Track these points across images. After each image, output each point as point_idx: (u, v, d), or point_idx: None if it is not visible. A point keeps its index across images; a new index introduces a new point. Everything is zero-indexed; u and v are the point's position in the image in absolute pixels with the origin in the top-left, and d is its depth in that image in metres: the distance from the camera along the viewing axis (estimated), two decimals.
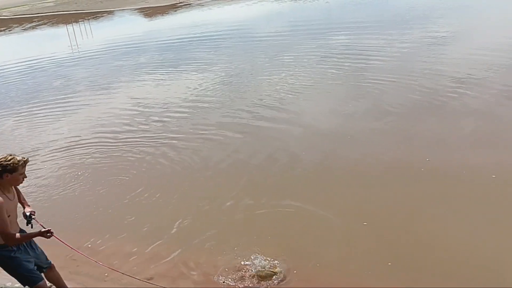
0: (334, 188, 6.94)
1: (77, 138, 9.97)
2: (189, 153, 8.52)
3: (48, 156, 9.27)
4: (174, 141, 9.14)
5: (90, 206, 7.17)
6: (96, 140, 9.76)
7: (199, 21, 23.44)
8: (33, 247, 4.46)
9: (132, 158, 8.65)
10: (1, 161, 4.01)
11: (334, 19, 19.60)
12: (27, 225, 4.32)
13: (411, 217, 6.04)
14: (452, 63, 11.41)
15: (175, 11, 28.83)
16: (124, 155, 8.85)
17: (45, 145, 9.88)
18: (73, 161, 8.89)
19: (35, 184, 7.98)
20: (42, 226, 4.37)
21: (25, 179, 4.24)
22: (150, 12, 29.18)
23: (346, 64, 12.51)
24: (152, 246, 6.01)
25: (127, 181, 7.83)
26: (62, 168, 8.62)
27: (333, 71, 12.15)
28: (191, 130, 9.59)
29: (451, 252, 5.30)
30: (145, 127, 10.18)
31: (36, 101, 13.52)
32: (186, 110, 10.87)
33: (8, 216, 4.05)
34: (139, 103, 11.80)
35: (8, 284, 5.45)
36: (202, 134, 9.31)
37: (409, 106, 9.38)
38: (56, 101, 13.12)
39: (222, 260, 5.56)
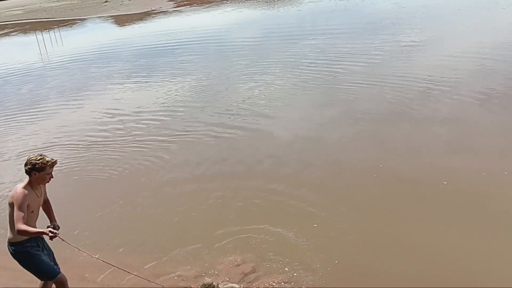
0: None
1: (43, 145, 9.83)
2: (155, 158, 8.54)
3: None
4: (143, 148, 9.10)
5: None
6: (60, 148, 9.67)
7: (174, 28, 23.38)
8: (48, 250, 4.65)
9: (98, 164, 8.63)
10: (32, 159, 4.30)
11: (308, 26, 19.81)
12: (50, 239, 4.34)
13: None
14: (423, 68, 11.66)
15: (149, 19, 28.60)
16: (89, 160, 8.87)
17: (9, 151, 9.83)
18: None
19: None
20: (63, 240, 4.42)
21: (51, 179, 4.46)
22: (122, 20, 28.87)
23: (319, 70, 12.63)
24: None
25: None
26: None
27: (306, 77, 12.26)
28: (160, 137, 9.53)
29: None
30: (112, 133, 10.13)
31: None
32: (158, 117, 10.74)
33: (31, 212, 4.33)
34: (108, 111, 11.64)
35: None
36: (170, 140, 9.34)
37: (380, 112, 9.51)
38: (22, 110, 12.80)
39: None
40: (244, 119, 9.97)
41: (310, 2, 26.19)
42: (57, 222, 4.64)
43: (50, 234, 4.14)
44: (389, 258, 5.40)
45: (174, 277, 5.35)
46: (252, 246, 5.76)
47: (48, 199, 4.73)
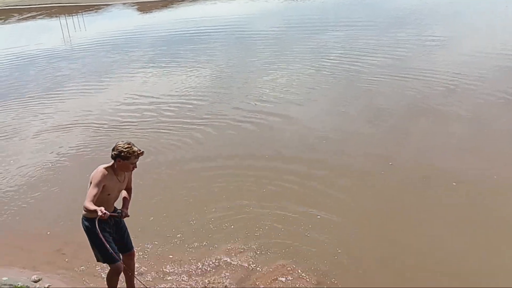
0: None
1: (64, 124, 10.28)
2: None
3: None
4: (162, 132, 9.42)
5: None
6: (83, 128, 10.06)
7: (199, 15, 23.24)
8: (121, 227, 4.64)
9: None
10: (119, 146, 4.28)
11: (331, 18, 19.58)
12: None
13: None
14: (447, 64, 11.63)
15: (173, 6, 28.62)
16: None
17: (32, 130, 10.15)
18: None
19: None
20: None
21: (135, 169, 4.47)
22: (146, 7, 28.88)
23: (342, 62, 12.67)
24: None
25: None
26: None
27: (330, 69, 12.27)
28: (188, 120, 9.87)
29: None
30: (140, 114, 10.51)
31: (25, 91, 13.43)
32: (178, 103, 11.00)
33: (108, 195, 4.37)
34: (133, 95, 11.88)
35: (4, 279, 5.44)
36: (200, 123, 9.66)
37: (400, 107, 9.52)
38: (46, 91, 13.08)
39: None
40: (273, 106, 10.21)
41: None
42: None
43: (100, 213, 4.05)
44: (389, 252, 5.52)
45: None
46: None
47: (131, 188, 4.71)
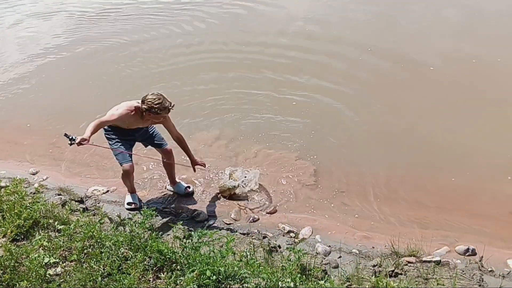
0: None
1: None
2: None
3: None
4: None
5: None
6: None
7: None
8: (148, 131, 4.66)
9: None
10: (149, 100, 4.09)
11: None
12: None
13: None
14: None
15: None
16: None
17: None
18: None
19: None
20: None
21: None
22: None
23: None
24: None
25: None
26: None
27: None
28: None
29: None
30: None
31: None
32: None
33: (127, 127, 4.40)
34: None
35: (2, 172, 5.53)
36: None
37: None
38: None
39: None
40: None
41: None
42: None
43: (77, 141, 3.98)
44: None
45: None
46: None
47: (179, 135, 4.61)
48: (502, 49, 7.15)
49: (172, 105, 4.18)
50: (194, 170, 4.84)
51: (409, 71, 6.89)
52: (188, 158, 4.76)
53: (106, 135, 4.54)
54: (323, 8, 9.35)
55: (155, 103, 4.07)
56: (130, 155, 4.51)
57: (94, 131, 4.09)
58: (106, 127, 4.45)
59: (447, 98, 6.21)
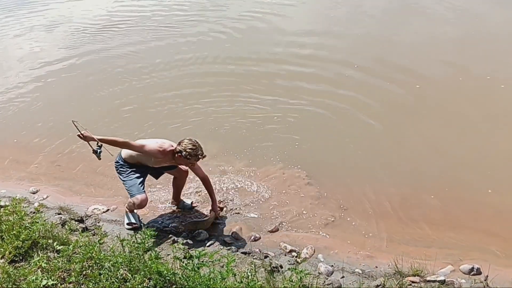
0: None
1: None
2: None
3: None
4: None
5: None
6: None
7: None
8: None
9: None
10: (184, 144, 4.18)
11: None
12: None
13: None
14: None
15: None
16: None
17: None
18: None
19: None
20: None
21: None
22: None
23: None
24: None
25: None
26: None
27: None
28: None
29: None
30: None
31: None
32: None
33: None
34: None
35: (2, 191, 5.50)
36: None
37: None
38: None
39: None
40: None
41: None
42: None
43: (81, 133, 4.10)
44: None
45: None
46: None
47: (204, 176, 4.57)
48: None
49: (203, 155, 4.25)
50: (215, 212, 4.72)
51: (400, 85, 6.99)
52: (209, 197, 4.74)
53: (120, 169, 4.50)
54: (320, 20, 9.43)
55: (188, 147, 4.16)
56: (144, 186, 4.49)
57: (109, 141, 4.16)
58: (120, 161, 4.47)
59: (459, 111, 6.27)
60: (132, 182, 4.44)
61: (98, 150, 4.15)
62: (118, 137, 4.29)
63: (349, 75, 7.43)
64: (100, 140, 4.16)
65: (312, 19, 9.93)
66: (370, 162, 5.49)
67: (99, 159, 4.19)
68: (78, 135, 4.13)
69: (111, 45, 9.41)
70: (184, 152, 4.16)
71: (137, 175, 4.47)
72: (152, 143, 4.33)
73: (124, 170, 4.50)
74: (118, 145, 4.28)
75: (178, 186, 4.89)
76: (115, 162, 4.56)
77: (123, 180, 4.50)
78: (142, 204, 4.45)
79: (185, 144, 4.18)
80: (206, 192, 4.74)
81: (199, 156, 4.23)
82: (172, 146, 4.31)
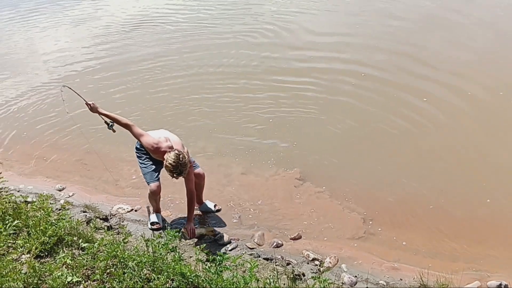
0: None
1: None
2: None
3: None
4: None
5: None
6: None
7: None
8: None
9: None
10: (168, 158, 4.02)
11: None
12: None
13: None
14: None
15: None
16: None
17: None
18: None
19: None
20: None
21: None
22: None
23: None
24: None
25: None
26: None
27: None
28: None
29: None
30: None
31: None
32: None
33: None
34: None
35: (29, 187, 5.63)
36: None
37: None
38: None
39: None
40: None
41: None
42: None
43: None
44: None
45: None
46: None
47: (189, 188, 4.43)
48: None
49: (177, 177, 4.08)
50: (186, 231, 4.54)
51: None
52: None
53: (137, 154, 4.57)
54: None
55: (169, 161, 4.01)
56: (158, 175, 4.50)
57: (113, 118, 4.36)
58: (138, 146, 4.50)
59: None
60: (147, 169, 4.48)
61: (110, 123, 4.43)
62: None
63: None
64: (105, 114, 4.38)
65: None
66: (397, 174, 5.38)
67: (114, 131, 4.48)
68: (86, 104, 4.28)
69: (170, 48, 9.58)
70: (165, 163, 4.07)
71: (151, 162, 4.49)
72: (150, 137, 4.33)
73: (140, 156, 4.54)
74: (120, 124, 4.37)
75: (196, 187, 4.81)
76: (135, 147, 4.59)
77: (140, 165, 4.54)
78: (156, 192, 4.49)
79: (170, 157, 4.03)
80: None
81: (174, 175, 4.07)
82: (170, 148, 4.23)
